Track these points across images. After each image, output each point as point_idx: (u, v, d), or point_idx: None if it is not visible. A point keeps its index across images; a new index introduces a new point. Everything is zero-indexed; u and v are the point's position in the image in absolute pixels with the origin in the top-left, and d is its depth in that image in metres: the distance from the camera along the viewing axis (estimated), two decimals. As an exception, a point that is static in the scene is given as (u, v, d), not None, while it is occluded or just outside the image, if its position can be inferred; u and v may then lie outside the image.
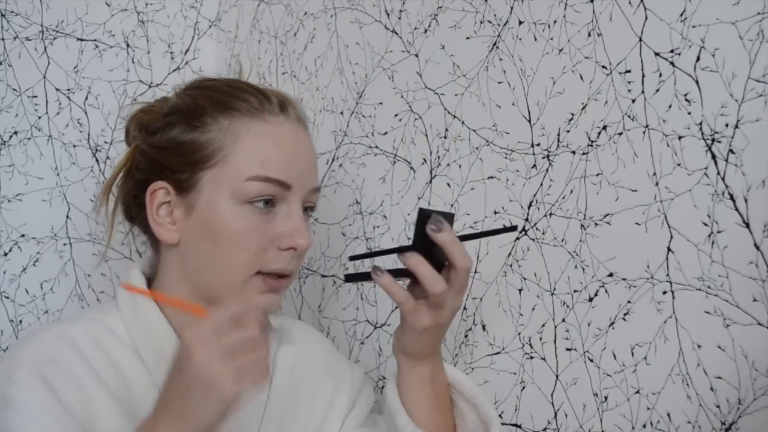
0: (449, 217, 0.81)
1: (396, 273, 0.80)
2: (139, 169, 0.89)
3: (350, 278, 0.83)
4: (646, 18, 0.80)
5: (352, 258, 0.82)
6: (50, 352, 0.81)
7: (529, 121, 0.92)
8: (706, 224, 0.75)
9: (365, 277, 0.81)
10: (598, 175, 0.85)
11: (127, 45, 1.37)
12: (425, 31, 1.05)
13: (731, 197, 0.73)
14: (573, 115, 0.87)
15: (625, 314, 0.82)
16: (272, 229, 0.84)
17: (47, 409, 0.77)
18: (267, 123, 0.86)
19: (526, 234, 0.92)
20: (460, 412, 0.88)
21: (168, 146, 0.86)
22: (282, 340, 0.97)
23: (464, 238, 0.80)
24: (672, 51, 0.78)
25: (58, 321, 0.89)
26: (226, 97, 0.87)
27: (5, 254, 1.26)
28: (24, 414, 0.76)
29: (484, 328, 0.97)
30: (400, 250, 0.79)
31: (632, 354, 0.81)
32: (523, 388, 0.92)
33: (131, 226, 0.94)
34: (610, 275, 0.83)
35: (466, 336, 0.99)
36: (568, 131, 0.88)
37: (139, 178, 0.89)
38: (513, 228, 0.82)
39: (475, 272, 0.98)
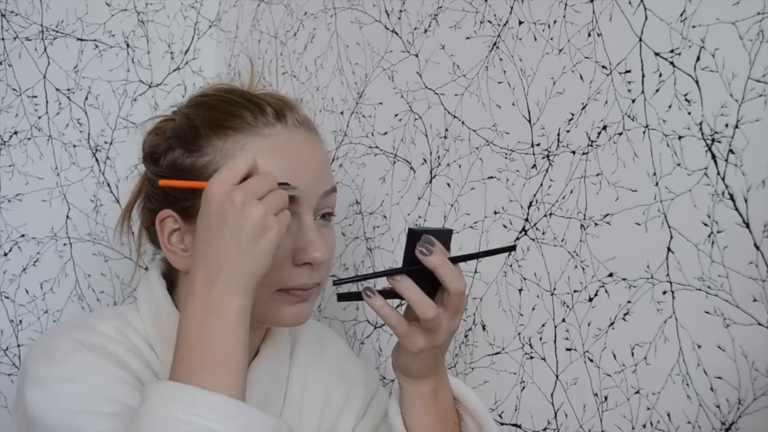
0: (446, 234, 0.78)
1: (388, 294, 0.77)
2: (150, 198, 0.88)
3: (342, 298, 0.79)
4: (646, 18, 0.80)
5: (337, 282, 0.78)
6: (86, 339, 0.79)
7: (529, 121, 0.92)
8: (706, 224, 0.75)
9: (357, 297, 0.78)
10: (598, 175, 0.84)
11: (127, 45, 1.37)
12: (425, 31, 1.05)
13: (731, 197, 0.73)
14: (573, 115, 0.87)
15: (625, 314, 0.82)
16: (284, 245, 0.80)
17: (104, 370, 0.75)
18: (261, 137, 0.82)
19: (526, 234, 0.92)
20: (466, 427, 0.87)
21: (169, 174, 0.84)
22: (297, 341, 0.95)
23: (457, 259, 0.78)
24: (672, 51, 0.78)
25: (84, 316, 0.87)
26: (220, 115, 0.83)
27: (5, 254, 1.26)
28: (81, 381, 0.74)
29: (484, 328, 0.97)
30: (390, 273, 0.76)
31: (632, 354, 0.81)
32: (523, 388, 0.92)
33: (134, 229, 0.93)
34: (610, 275, 0.83)
35: (466, 336, 0.99)
36: (568, 131, 0.88)
37: (151, 208, 0.87)
38: (511, 248, 0.81)
39: (475, 272, 0.98)
